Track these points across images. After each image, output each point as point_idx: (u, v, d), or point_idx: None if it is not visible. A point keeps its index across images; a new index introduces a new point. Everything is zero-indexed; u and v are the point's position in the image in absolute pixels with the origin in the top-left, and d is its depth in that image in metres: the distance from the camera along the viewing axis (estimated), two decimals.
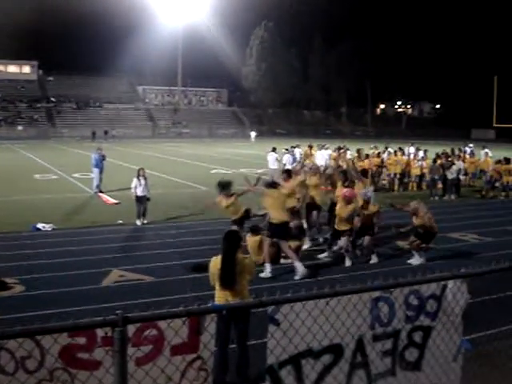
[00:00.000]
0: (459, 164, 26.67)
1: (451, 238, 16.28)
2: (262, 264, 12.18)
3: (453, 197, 25.05)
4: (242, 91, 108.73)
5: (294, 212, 14.29)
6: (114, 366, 3.35)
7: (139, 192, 17.68)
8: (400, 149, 31.06)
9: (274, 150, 28.37)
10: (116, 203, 21.73)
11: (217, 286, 7.27)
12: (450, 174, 25.22)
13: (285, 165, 27.11)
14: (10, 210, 20.04)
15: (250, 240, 13.02)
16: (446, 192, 25.54)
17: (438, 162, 26.83)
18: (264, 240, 12.63)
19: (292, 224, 13.58)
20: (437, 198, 25.00)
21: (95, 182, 24.43)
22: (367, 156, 28.00)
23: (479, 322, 7.67)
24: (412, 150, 32.49)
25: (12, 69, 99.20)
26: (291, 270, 12.72)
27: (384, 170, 28.56)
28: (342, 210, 13.34)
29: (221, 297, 7.16)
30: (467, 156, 31.67)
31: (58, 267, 12.68)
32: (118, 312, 3.31)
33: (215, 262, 7.33)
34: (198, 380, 3.93)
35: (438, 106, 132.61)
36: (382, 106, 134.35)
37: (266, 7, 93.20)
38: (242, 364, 7.17)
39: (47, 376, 3.48)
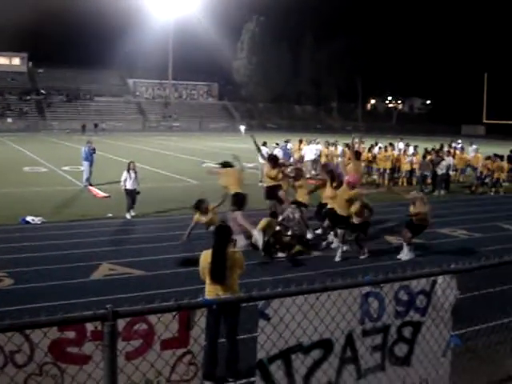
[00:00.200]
0: (449, 160, 26.74)
1: (441, 234, 16.33)
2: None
3: (442, 192, 25.13)
4: (233, 85, 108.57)
5: (278, 200, 15.28)
6: (104, 361, 3.34)
7: (129, 185, 17.65)
8: (391, 144, 31.09)
9: (264, 144, 28.31)
10: (106, 196, 21.66)
11: (207, 281, 7.25)
12: (440, 170, 25.29)
13: None
14: None
15: None
16: (435, 188, 25.61)
17: (428, 157, 26.91)
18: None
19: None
20: (427, 193, 25.05)
21: (85, 175, 24.33)
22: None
23: (468, 318, 7.70)
24: (401, 145, 32.52)
25: (1, 60, 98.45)
26: (283, 264, 12.77)
27: (374, 165, 28.69)
28: (344, 192, 13.36)
29: (211, 291, 7.15)
30: (457, 152, 31.74)
31: (47, 260, 12.63)
32: (107, 306, 3.30)
33: (206, 256, 7.32)
34: (187, 375, 3.93)
35: (428, 102, 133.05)
36: (373, 102, 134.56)
37: (258, 1, 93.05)
38: (231, 358, 7.17)
39: (36, 370, 3.47)
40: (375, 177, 28.66)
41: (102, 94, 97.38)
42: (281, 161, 26.23)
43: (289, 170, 16.81)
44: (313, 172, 26.74)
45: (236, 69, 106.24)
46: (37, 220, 16.75)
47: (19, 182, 24.69)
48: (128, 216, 17.72)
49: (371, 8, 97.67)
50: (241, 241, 13.12)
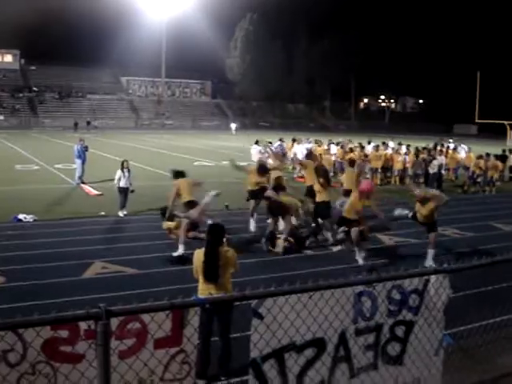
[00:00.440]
0: (441, 159, 26.83)
1: None
2: None
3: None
4: (226, 83, 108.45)
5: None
6: (97, 359, 3.34)
7: (122, 184, 17.67)
8: (383, 143, 31.20)
9: (256, 142, 28.36)
10: (98, 194, 21.63)
11: (200, 279, 7.26)
12: (432, 169, 25.37)
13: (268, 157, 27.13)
14: None
15: None
16: (427, 187, 25.66)
17: (421, 156, 27.00)
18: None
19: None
20: None
21: (77, 173, 24.29)
22: (351, 150, 28.13)
23: (460, 317, 7.73)
24: (391, 144, 32.62)
25: None
26: (276, 263, 12.81)
27: (367, 163, 28.75)
28: (356, 202, 13.15)
29: (204, 290, 7.15)
30: (450, 151, 31.86)
31: (40, 258, 12.60)
32: (101, 305, 3.30)
33: (199, 255, 7.32)
34: (180, 373, 3.93)
35: (421, 101, 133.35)
36: (366, 100, 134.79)
37: None
38: (224, 357, 7.18)
39: (29, 369, 3.46)
40: (368, 176, 28.69)
41: (94, 92, 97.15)
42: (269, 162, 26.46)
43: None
44: (302, 172, 26.77)
45: (229, 67, 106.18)
46: (29, 218, 16.70)
47: (11, 180, 24.60)
48: (121, 214, 17.72)
49: (364, 7, 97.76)
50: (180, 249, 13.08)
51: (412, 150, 29.98)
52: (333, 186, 24.37)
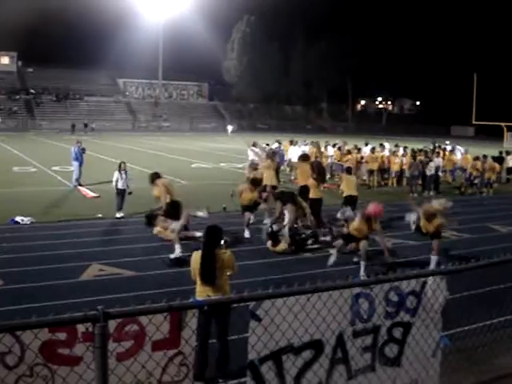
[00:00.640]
0: (438, 161, 26.86)
1: None
2: None
3: (432, 193, 25.20)
4: (223, 85, 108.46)
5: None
6: (95, 362, 3.34)
7: (120, 185, 17.70)
8: (381, 145, 31.23)
9: (254, 144, 28.34)
10: (95, 197, 21.61)
11: (198, 281, 7.27)
12: (429, 171, 25.39)
13: None
14: None
15: None
16: (425, 188, 25.71)
17: (418, 158, 27.03)
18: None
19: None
20: (416, 194, 25.16)
21: (75, 176, 24.27)
22: (349, 151, 28.15)
23: (457, 318, 7.74)
24: (387, 146, 32.65)
25: None
26: (273, 264, 12.81)
27: (363, 165, 28.83)
28: (363, 225, 12.57)
29: (201, 292, 7.16)
30: (446, 153, 31.88)
31: (37, 261, 12.58)
32: (98, 307, 3.30)
33: (196, 257, 7.33)
34: (178, 376, 3.93)
35: (418, 103, 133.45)
36: (363, 102, 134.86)
37: (248, 1, 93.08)
38: (222, 359, 7.18)
39: (27, 372, 3.46)
40: (365, 177, 28.73)
41: (91, 94, 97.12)
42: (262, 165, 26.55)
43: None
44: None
45: (226, 69, 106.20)
46: (26, 220, 16.68)
47: (8, 182, 24.58)
48: (118, 215, 17.72)
49: (361, 9, 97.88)
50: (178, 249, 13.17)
51: (409, 151, 29.98)
52: (329, 187, 24.55)
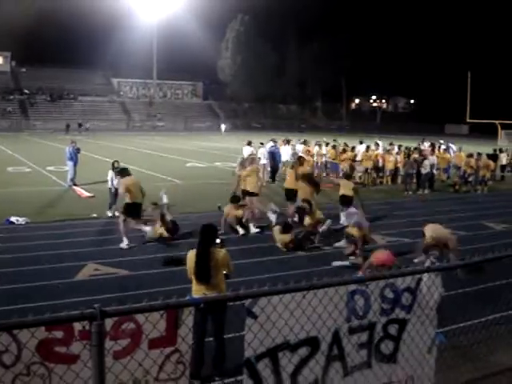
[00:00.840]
0: (432, 159, 26.90)
1: None
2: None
3: (426, 191, 25.26)
4: (218, 84, 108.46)
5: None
6: (92, 360, 3.35)
7: (115, 183, 17.68)
8: (376, 144, 31.28)
9: (249, 143, 28.35)
10: (90, 196, 21.58)
11: (194, 280, 7.28)
12: (424, 169, 25.44)
13: (260, 158, 27.15)
14: None
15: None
16: (419, 186, 25.75)
17: (412, 156, 27.08)
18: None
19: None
20: (411, 192, 25.22)
21: (69, 176, 24.24)
22: (344, 150, 28.19)
23: (453, 315, 7.77)
24: (380, 144, 32.70)
25: None
26: (270, 263, 12.84)
27: (358, 163, 28.99)
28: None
29: (197, 290, 7.17)
30: (441, 151, 31.94)
31: (33, 261, 12.57)
32: (95, 306, 3.31)
33: (191, 256, 7.34)
34: (175, 373, 3.94)
35: (412, 101, 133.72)
36: (357, 101, 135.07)
37: (242, 1, 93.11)
38: (218, 357, 7.18)
39: (24, 370, 3.46)
40: (360, 174, 28.80)
41: (86, 94, 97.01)
42: (264, 161, 26.58)
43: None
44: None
45: (221, 68, 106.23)
46: (21, 220, 16.65)
47: (3, 182, 24.52)
48: (109, 213, 17.72)
49: (355, 8, 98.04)
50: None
51: (403, 149, 30.05)
52: (325, 186, 24.65)
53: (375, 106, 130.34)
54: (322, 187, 22.92)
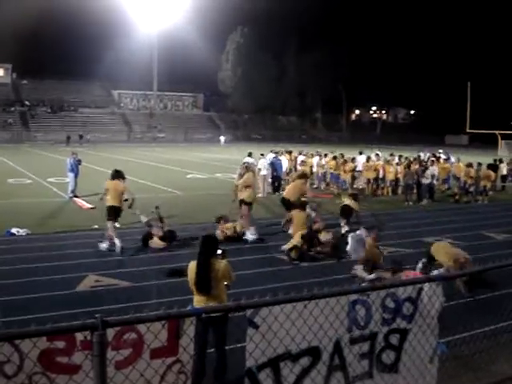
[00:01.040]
0: (433, 169, 26.92)
1: (426, 243, 16.42)
2: None
3: (425, 202, 25.24)
4: (218, 96, 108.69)
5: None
6: (94, 370, 3.35)
7: None
8: (377, 154, 31.32)
9: (249, 154, 28.41)
10: (91, 208, 21.57)
11: (194, 291, 7.27)
12: (425, 179, 25.44)
13: (260, 169, 27.21)
14: None
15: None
16: (420, 197, 25.74)
17: (413, 167, 27.11)
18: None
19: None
20: (411, 203, 25.22)
21: (70, 187, 24.26)
22: (345, 161, 28.24)
23: (454, 325, 7.76)
24: (379, 155, 32.81)
25: None
26: (271, 274, 12.84)
27: (359, 174, 29.14)
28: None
29: (199, 301, 7.16)
30: (441, 161, 31.98)
31: (33, 272, 12.57)
32: (97, 316, 3.31)
33: (192, 267, 7.33)
34: (177, 383, 3.94)
35: (412, 112, 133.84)
36: (357, 112, 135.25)
37: (243, 12, 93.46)
38: (219, 368, 7.17)
39: (26, 380, 3.46)
40: (361, 186, 28.90)
41: (86, 106, 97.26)
42: (265, 172, 26.60)
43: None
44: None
45: (221, 80, 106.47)
46: (22, 232, 16.66)
47: (4, 194, 24.54)
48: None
49: (355, 19, 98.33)
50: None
51: (403, 160, 30.10)
52: (324, 197, 24.75)
53: (375, 117, 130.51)
54: (321, 197, 23.03)
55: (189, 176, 35.16)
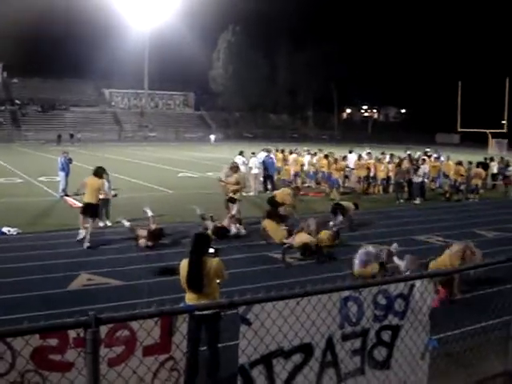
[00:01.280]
0: (424, 167, 26.99)
1: (418, 241, 16.49)
2: None
3: (418, 200, 25.29)
4: (209, 95, 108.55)
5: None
6: (86, 367, 3.34)
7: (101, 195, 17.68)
8: (369, 153, 31.35)
9: (241, 153, 28.38)
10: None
11: (186, 289, 7.27)
12: (417, 178, 25.47)
13: (251, 168, 27.21)
14: None
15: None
16: (411, 195, 25.80)
17: (405, 165, 27.16)
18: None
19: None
20: (402, 201, 25.28)
21: (61, 186, 24.17)
22: (336, 160, 28.28)
23: (445, 322, 7.80)
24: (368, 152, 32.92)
25: None
26: (264, 272, 12.84)
27: (350, 172, 29.22)
28: None
29: (191, 299, 7.16)
30: (432, 160, 32.05)
31: (25, 271, 12.53)
32: (90, 313, 3.31)
33: (184, 265, 7.33)
34: (169, 380, 3.94)
35: (403, 111, 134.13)
36: (348, 111, 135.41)
37: (234, 11, 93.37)
38: (212, 366, 7.17)
39: (18, 378, 3.46)
40: (352, 185, 29.01)
41: (77, 105, 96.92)
42: (256, 171, 26.65)
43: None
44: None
45: (212, 78, 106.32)
46: (13, 231, 16.60)
47: None
48: (101, 224, 17.71)
49: (346, 18, 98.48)
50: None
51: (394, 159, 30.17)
52: (314, 195, 24.89)
53: (366, 116, 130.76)
54: (313, 196, 23.13)
55: (180, 175, 35.12)
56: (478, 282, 11.10)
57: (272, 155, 30.26)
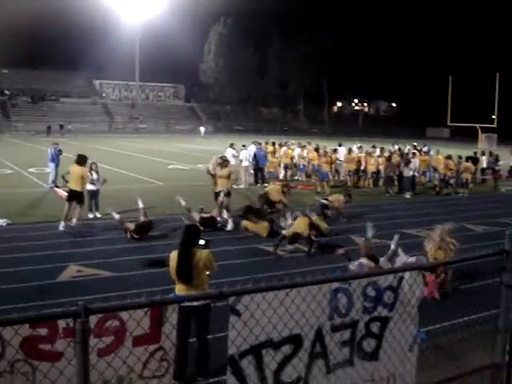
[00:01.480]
0: (414, 161, 27.08)
1: (408, 234, 16.54)
2: None
3: (408, 194, 25.38)
4: (200, 87, 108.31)
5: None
6: (76, 357, 3.34)
7: (90, 186, 17.68)
8: (360, 147, 31.44)
9: (231, 145, 28.40)
10: None
11: (176, 280, 7.29)
12: (408, 172, 25.54)
13: (241, 161, 27.24)
14: None
15: None
16: (401, 189, 25.89)
17: (395, 159, 27.24)
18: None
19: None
20: (392, 194, 25.37)
21: (51, 177, 24.11)
22: (326, 153, 28.32)
23: (435, 315, 7.85)
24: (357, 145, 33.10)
25: None
26: (253, 264, 12.87)
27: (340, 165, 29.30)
28: None
29: (180, 290, 7.18)
30: (422, 154, 32.18)
31: (14, 262, 12.50)
32: (79, 303, 3.31)
33: (174, 256, 7.35)
34: (159, 371, 3.94)
35: (394, 105, 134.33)
36: (339, 104, 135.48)
37: (226, 3, 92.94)
38: (201, 357, 7.20)
39: (8, 368, 3.44)
40: (342, 178, 29.11)
41: (67, 96, 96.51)
42: (246, 163, 26.66)
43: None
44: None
45: (203, 71, 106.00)
46: (2, 222, 16.56)
47: None
48: (90, 215, 17.71)
49: (338, 11, 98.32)
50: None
51: (385, 152, 30.25)
52: (304, 188, 25.00)
53: (357, 110, 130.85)
54: (303, 188, 23.24)
55: (170, 167, 35.09)
56: (466, 276, 11.17)
57: (263, 147, 30.29)
